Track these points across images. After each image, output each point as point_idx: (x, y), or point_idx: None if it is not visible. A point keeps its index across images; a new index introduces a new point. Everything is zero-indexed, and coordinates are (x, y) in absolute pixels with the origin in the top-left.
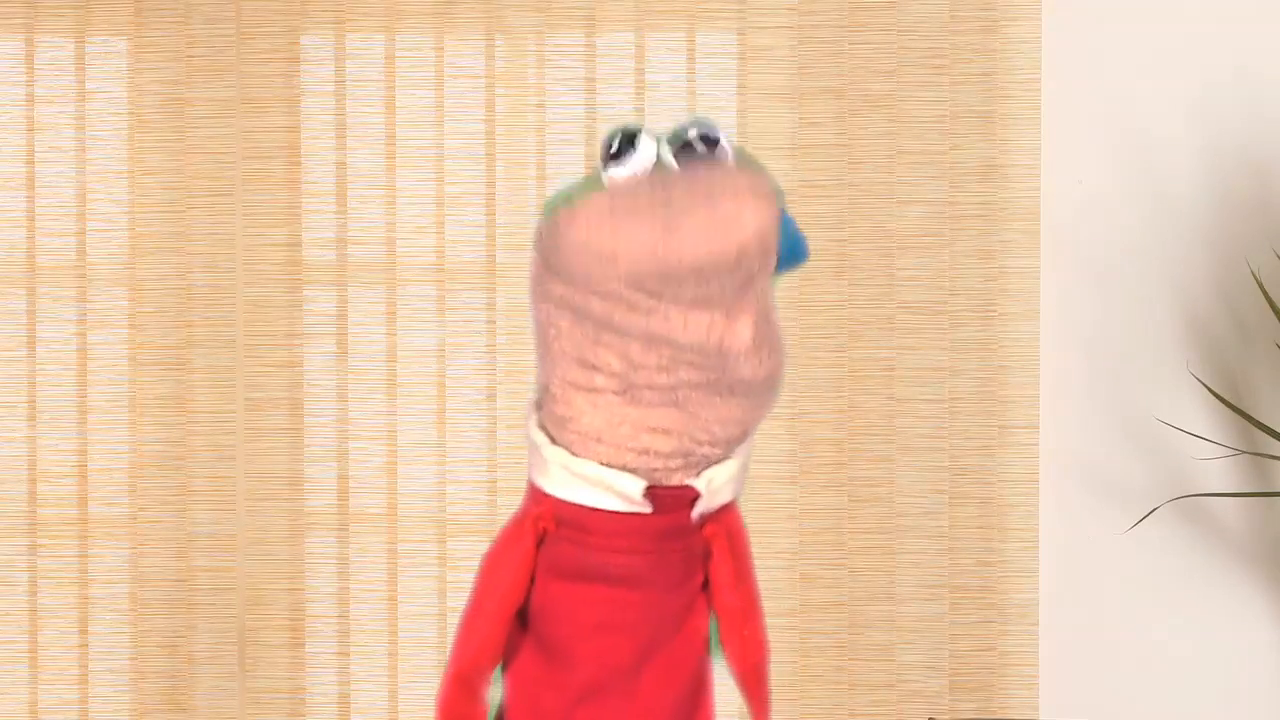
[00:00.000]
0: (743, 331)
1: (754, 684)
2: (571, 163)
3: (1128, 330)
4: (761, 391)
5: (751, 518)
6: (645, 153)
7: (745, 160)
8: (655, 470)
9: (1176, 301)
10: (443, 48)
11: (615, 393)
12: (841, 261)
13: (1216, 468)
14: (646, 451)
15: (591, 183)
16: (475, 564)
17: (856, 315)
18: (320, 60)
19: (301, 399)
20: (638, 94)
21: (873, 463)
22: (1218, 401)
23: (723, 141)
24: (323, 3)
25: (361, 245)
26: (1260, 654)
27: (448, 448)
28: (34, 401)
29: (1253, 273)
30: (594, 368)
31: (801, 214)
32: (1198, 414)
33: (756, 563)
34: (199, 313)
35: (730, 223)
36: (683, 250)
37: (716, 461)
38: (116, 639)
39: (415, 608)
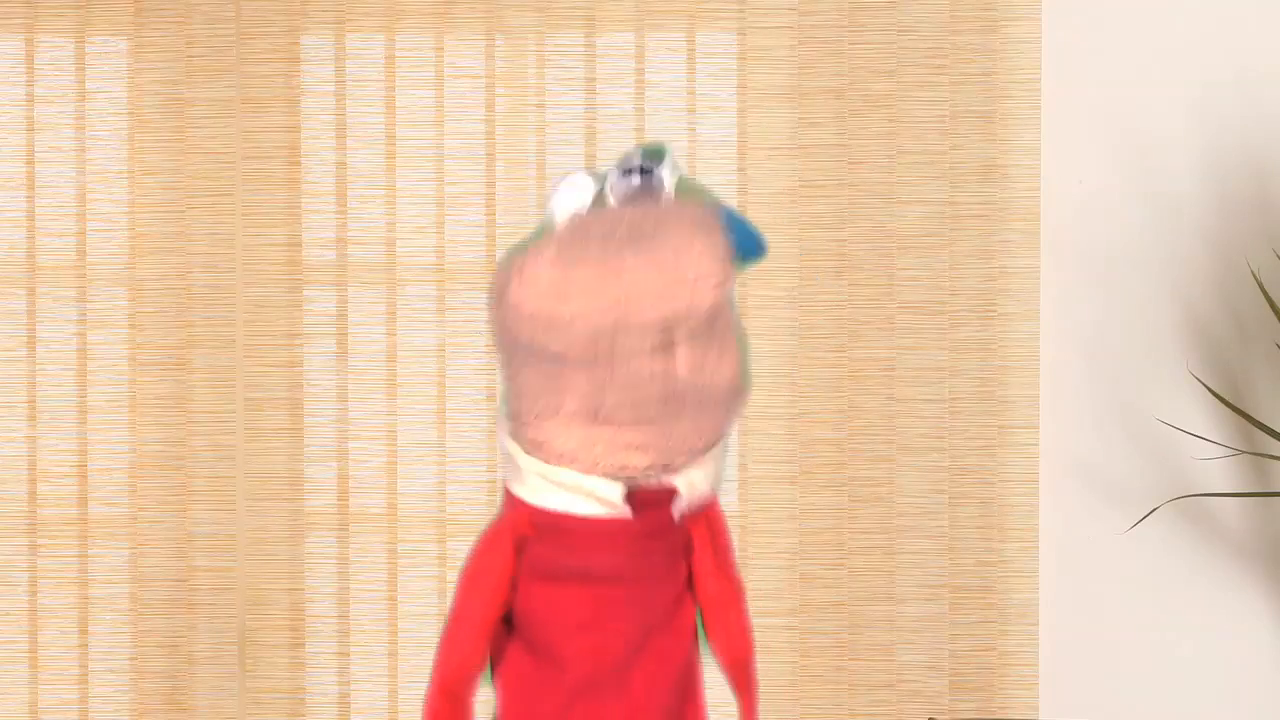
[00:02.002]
0: (680, 360)
1: (740, 674)
2: (571, 163)
3: (1128, 330)
4: (729, 398)
5: (752, 518)
6: (584, 186)
7: (686, 190)
8: (634, 479)
9: (1176, 301)
10: (443, 48)
11: (586, 416)
12: (841, 261)
13: (1216, 468)
14: (624, 468)
15: (542, 233)
16: None
17: (856, 315)
18: (320, 60)
19: (301, 399)
20: (638, 94)
21: (873, 463)
22: (1218, 401)
23: (659, 172)
24: (323, 3)
25: (361, 245)
26: (1260, 654)
27: (448, 448)
28: (34, 401)
29: (1253, 273)
30: (561, 392)
31: (802, 214)
32: (1198, 414)
33: (757, 563)
34: (199, 313)
35: (685, 280)
36: (641, 311)
37: (691, 464)
38: (116, 639)
39: (415, 608)
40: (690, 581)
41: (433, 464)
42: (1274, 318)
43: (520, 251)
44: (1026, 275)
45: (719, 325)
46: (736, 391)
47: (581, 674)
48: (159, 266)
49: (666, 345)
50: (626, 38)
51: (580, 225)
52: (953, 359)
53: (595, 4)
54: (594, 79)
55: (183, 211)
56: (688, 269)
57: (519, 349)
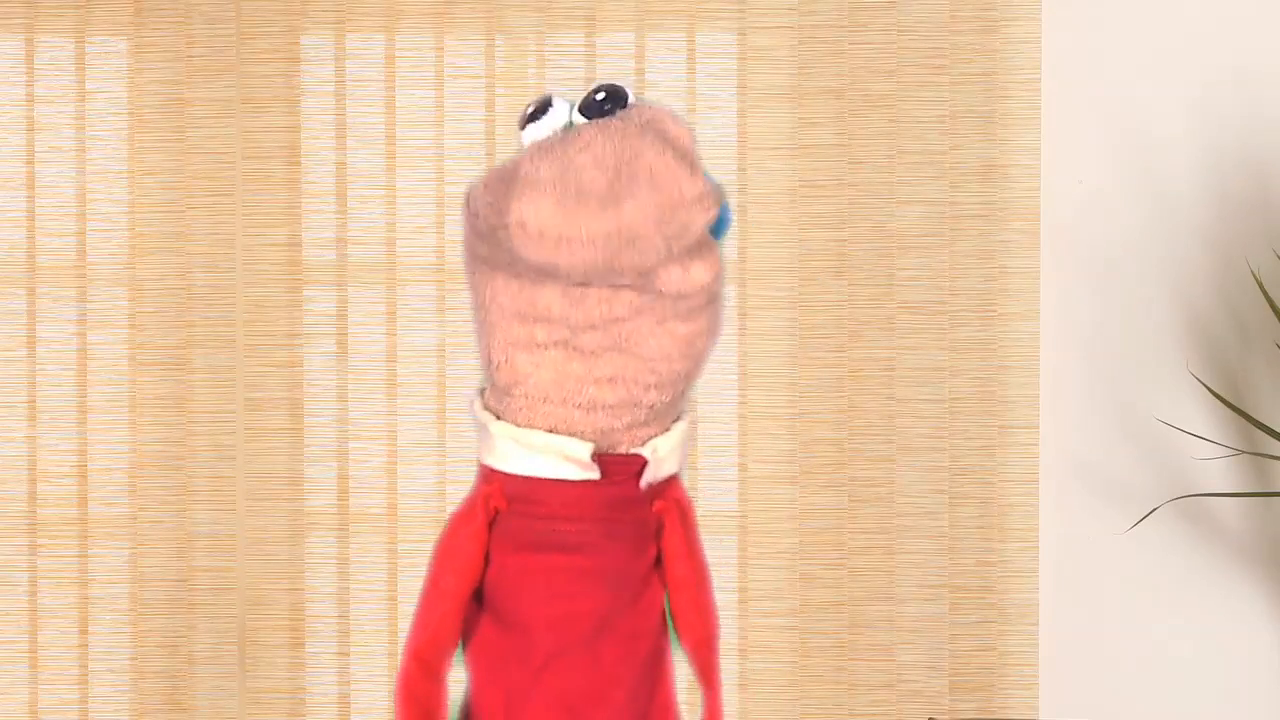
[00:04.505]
0: (665, 275)
1: (705, 654)
2: None
3: (1128, 330)
4: (698, 308)
5: (752, 518)
6: (559, 113)
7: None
8: (601, 428)
9: (1176, 301)
10: (443, 48)
11: (557, 344)
12: (841, 261)
13: (1216, 468)
14: (594, 406)
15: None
16: None
17: (856, 315)
18: (320, 60)
19: (301, 399)
20: (638, 94)
21: (873, 463)
22: (1218, 401)
23: (629, 98)
24: (323, 3)
25: (361, 245)
26: (1260, 654)
27: (448, 448)
28: (34, 401)
29: (1253, 273)
30: (534, 319)
31: (802, 214)
32: (1198, 414)
33: (757, 563)
34: (199, 313)
35: (684, 200)
36: (646, 230)
37: (660, 415)
38: (116, 639)
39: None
40: (658, 563)
41: (433, 464)
42: (1274, 318)
43: (499, 175)
44: (1026, 275)
45: (703, 244)
46: (710, 300)
47: (551, 644)
48: (159, 266)
49: (667, 259)
50: (626, 38)
51: (563, 153)
52: (953, 359)
53: (595, 4)
54: (594, 79)
55: (183, 211)
56: (685, 189)
57: (500, 269)
